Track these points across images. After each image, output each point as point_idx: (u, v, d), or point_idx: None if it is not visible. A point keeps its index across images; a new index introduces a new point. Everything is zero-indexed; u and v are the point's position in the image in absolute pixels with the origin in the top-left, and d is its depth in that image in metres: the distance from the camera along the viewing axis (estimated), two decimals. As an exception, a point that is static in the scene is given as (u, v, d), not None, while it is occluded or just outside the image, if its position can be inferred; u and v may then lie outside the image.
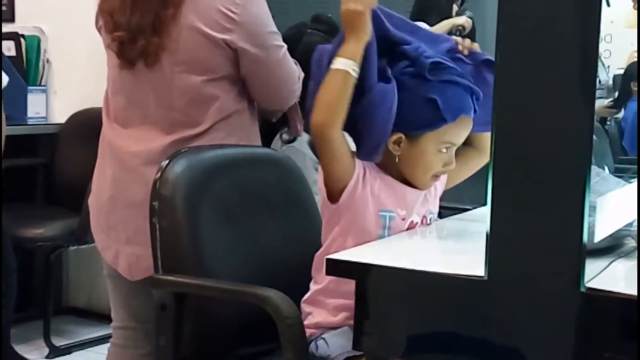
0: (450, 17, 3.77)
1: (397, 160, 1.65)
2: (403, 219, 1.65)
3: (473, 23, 3.84)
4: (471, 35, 3.76)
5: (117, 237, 1.95)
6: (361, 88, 1.57)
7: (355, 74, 1.55)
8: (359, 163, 1.62)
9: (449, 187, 1.82)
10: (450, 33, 3.66)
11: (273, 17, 2.01)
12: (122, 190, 1.96)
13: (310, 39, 2.18)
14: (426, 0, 3.83)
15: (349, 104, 1.56)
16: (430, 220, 1.72)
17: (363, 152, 1.62)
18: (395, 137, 1.63)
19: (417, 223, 1.68)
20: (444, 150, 1.64)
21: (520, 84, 1.21)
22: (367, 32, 1.58)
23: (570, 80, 1.18)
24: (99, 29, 2.05)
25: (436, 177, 1.69)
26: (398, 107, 1.59)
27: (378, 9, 1.62)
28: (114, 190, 1.97)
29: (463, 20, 3.67)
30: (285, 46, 2.03)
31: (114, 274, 2.03)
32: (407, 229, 1.66)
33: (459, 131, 1.65)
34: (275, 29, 2.01)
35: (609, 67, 5.25)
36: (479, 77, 1.67)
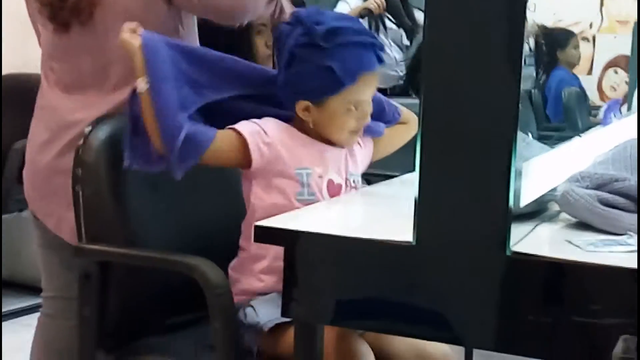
0: None
1: (311, 125, 1.68)
2: (320, 177, 1.66)
3: (405, 2, 3.91)
4: (391, 10, 3.78)
5: (58, 202, 1.89)
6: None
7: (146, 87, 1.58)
8: (251, 137, 1.63)
9: (377, 159, 1.84)
10: (361, 17, 3.75)
11: None
12: (62, 156, 1.90)
13: None
14: None
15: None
16: (354, 182, 1.73)
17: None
18: (302, 104, 1.67)
19: (339, 184, 1.69)
20: (353, 109, 1.66)
21: (447, 51, 1.21)
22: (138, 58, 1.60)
23: (497, 48, 1.19)
24: None
25: (355, 132, 1.70)
26: (298, 77, 1.64)
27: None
28: (50, 154, 1.91)
29: (369, 3, 3.78)
30: None
31: (49, 243, 1.98)
32: (329, 188, 1.67)
33: (363, 89, 1.67)
34: None
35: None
36: None
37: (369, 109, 1.70)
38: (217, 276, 1.51)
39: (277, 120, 1.69)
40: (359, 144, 1.78)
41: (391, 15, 3.83)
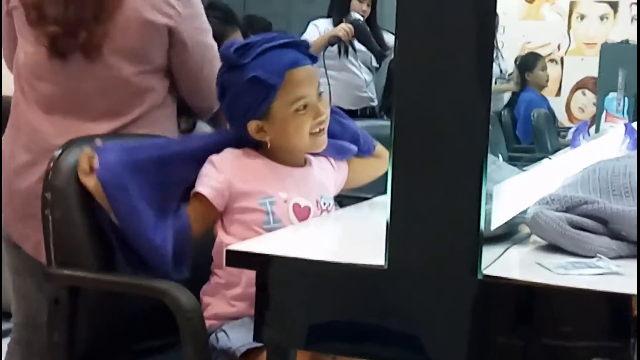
0: (348, 12, 3.90)
1: (269, 145, 1.67)
2: (285, 201, 1.64)
3: (374, 7, 3.93)
4: (360, 36, 3.82)
5: (37, 226, 1.87)
6: None
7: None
8: (208, 190, 1.64)
9: (348, 188, 1.83)
10: (330, 44, 3.79)
11: None
12: (41, 178, 1.88)
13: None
14: (331, 2, 4.08)
15: None
16: (325, 205, 1.71)
17: None
18: (252, 125, 1.66)
19: (306, 207, 1.67)
20: (302, 108, 1.64)
21: (418, 73, 1.22)
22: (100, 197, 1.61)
23: (467, 70, 1.20)
24: (9, 10, 1.95)
25: (317, 134, 1.67)
26: (234, 102, 1.66)
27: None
28: (32, 178, 1.89)
29: (337, 30, 3.80)
30: (216, 45, 2.03)
31: (24, 268, 1.95)
32: (296, 212, 1.65)
33: (299, 85, 1.65)
34: (210, 27, 2.01)
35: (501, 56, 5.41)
36: None
37: (322, 107, 1.66)
38: (188, 300, 1.50)
39: (233, 151, 1.67)
40: (331, 164, 1.78)
41: (360, 40, 3.86)
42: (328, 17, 4.03)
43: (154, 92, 1.95)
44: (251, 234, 1.61)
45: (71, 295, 1.63)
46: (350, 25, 3.78)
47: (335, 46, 3.88)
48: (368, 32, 3.86)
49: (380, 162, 1.83)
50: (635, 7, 5.41)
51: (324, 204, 1.71)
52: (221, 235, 1.66)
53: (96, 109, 1.89)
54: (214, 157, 1.66)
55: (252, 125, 1.66)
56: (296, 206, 1.66)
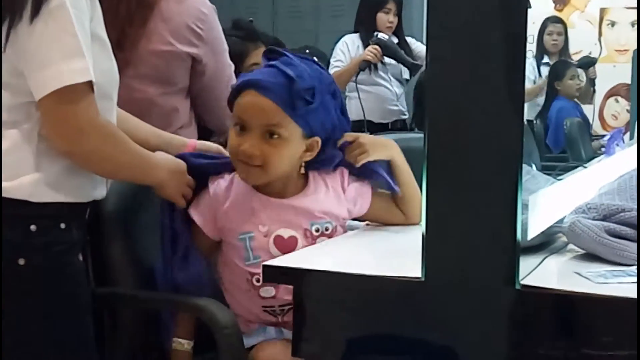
0: (375, 27, 3.92)
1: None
2: (265, 236, 1.58)
3: (400, 21, 3.99)
4: (389, 54, 3.83)
5: None
6: None
7: None
8: (200, 217, 1.62)
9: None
10: (361, 69, 3.80)
11: None
12: None
13: (228, 45, 2.19)
14: (357, 12, 4.08)
15: None
16: (319, 232, 1.62)
17: None
18: None
19: (291, 237, 1.60)
20: (241, 130, 1.56)
21: (451, 87, 1.22)
22: None
23: (499, 81, 1.20)
24: None
25: (242, 162, 1.57)
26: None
27: None
28: None
29: (365, 54, 3.80)
30: (232, 65, 2.06)
31: None
32: (278, 245, 1.59)
33: (241, 108, 1.58)
34: (227, 47, 2.05)
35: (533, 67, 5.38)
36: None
37: (247, 143, 1.55)
38: (225, 316, 1.51)
39: (226, 180, 1.62)
40: (342, 187, 1.67)
41: (389, 57, 3.87)
42: (355, 32, 4.05)
43: (178, 113, 1.99)
44: (237, 267, 1.60)
45: (110, 314, 1.65)
46: (377, 47, 3.79)
47: (367, 72, 3.89)
48: (396, 48, 3.87)
49: (405, 219, 1.71)
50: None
51: (316, 230, 1.62)
52: (220, 267, 1.66)
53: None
54: (211, 188, 1.63)
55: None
56: (278, 238, 1.59)
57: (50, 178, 1.39)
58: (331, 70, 3.86)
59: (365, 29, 3.95)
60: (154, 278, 1.63)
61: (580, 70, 4.85)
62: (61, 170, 1.41)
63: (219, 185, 1.62)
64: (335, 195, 1.66)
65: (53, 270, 1.40)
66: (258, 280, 1.57)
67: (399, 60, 3.87)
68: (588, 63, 4.91)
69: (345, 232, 1.67)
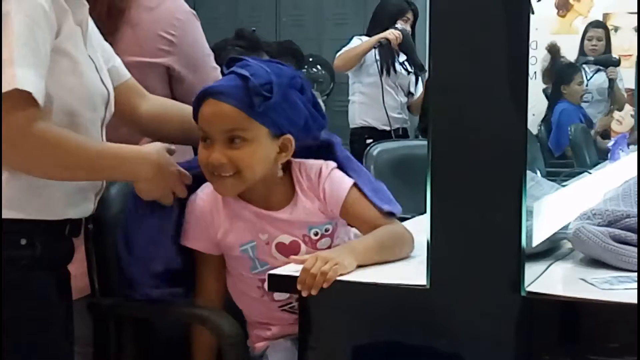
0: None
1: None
2: (267, 243, 1.55)
3: (413, 33, 4.05)
4: (405, 47, 3.88)
5: (82, 257, 1.89)
6: None
7: None
8: (200, 243, 1.58)
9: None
10: (380, 44, 3.88)
11: (204, 32, 2.00)
12: None
13: (230, 55, 2.19)
14: (373, 18, 4.15)
15: None
16: (318, 236, 1.56)
17: None
18: None
19: (293, 242, 1.55)
20: (207, 141, 1.52)
21: (454, 94, 1.22)
22: None
23: (502, 88, 1.20)
24: None
25: (215, 175, 1.51)
26: None
27: None
28: None
29: (388, 33, 3.89)
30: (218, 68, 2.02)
31: None
32: (281, 251, 1.54)
33: (204, 118, 1.52)
34: (210, 51, 2.01)
35: (535, 73, 5.37)
36: None
37: (215, 153, 1.49)
38: (230, 326, 1.50)
39: (209, 195, 1.57)
40: (322, 192, 1.57)
41: (404, 50, 3.92)
42: (367, 35, 4.07)
43: None
44: (243, 278, 1.57)
45: (115, 324, 1.64)
46: (399, 32, 3.86)
47: (377, 64, 3.91)
48: (412, 44, 3.92)
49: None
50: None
51: (315, 234, 1.57)
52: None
53: (125, 140, 1.90)
54: (195, 210, 1.57)
55: None
56: (280, 245, 1.55)
57: (11, 195, 1.39)
58: (346, 48, 3.96)
59: (381, 32, 3.99)
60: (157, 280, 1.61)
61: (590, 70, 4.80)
62: (24, 187, 1.40)
63: (203, 203, 1.57)
64: (318, 200, 1.58)
65: (13, 285, 1.40)
66: None
67: (411, 55, 3.92)
68: (607, 62, 4.85)
69: (347, 226, 1.61)
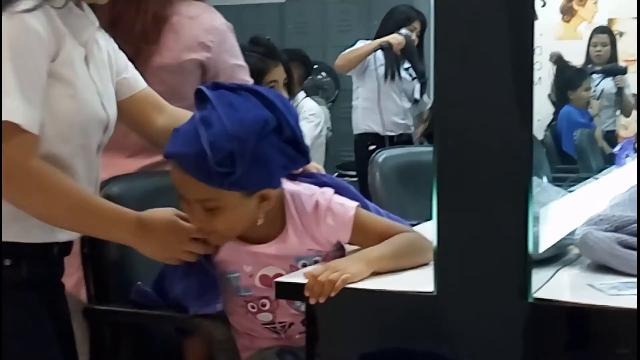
0: None
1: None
2: (250, 275, 1.54)
3: (421, 43, 4.06)
4: (408, 52, 3.88)
5: (78, 264, 1.89)
6: None
7: None
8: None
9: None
10: (382, 48, 3.90)
11: None
12: None
13: (248, 61, 2.19)
14: (381, 25, 4.14)
15: None
16: (304, 266, 1.53)
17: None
18: None
19: (277, 274, 1.51)
20: (182, 198, 1.48)
21: (458, 101, 1.22)
22: None
23: (507, 94, 1.20)
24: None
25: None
26: None
27: None
28: None
29: (390, 37, 3.91)
30: (252, 80, 2.05)
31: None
32: (265, 283, 1.53)
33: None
34: (244, 64, 2.03)
35: (540, 78, 5.36)
36: None
37: (196, 219, 1.46)
38: (221, 332, 1.50)
39: None
40: (318, 219, 1.53)
41: (406, 56, 3.92)
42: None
43: None
44: (230, 300, 1.57)
45: (111, 330, 1.65)
46: (402, 37, 3.87)
47: (382, 69, 3.93)
48: (415, 50, 3.93)
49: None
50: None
51: (303, 265, 1.53)
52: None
53: (134, 144, 1.91)
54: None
55: None
56: (264, 277, 1.54)
57: None
58: (349, 49, 3.97)
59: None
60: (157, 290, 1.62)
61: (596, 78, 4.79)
62: (8, 211, 1.38)
63: None
64: (311, 236, 1.54)
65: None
66: (253, 307, 1.56)
67: (413, 61, 3.93)
68: (615, 71, 4.84)
69: (343, 254, 1.54)
